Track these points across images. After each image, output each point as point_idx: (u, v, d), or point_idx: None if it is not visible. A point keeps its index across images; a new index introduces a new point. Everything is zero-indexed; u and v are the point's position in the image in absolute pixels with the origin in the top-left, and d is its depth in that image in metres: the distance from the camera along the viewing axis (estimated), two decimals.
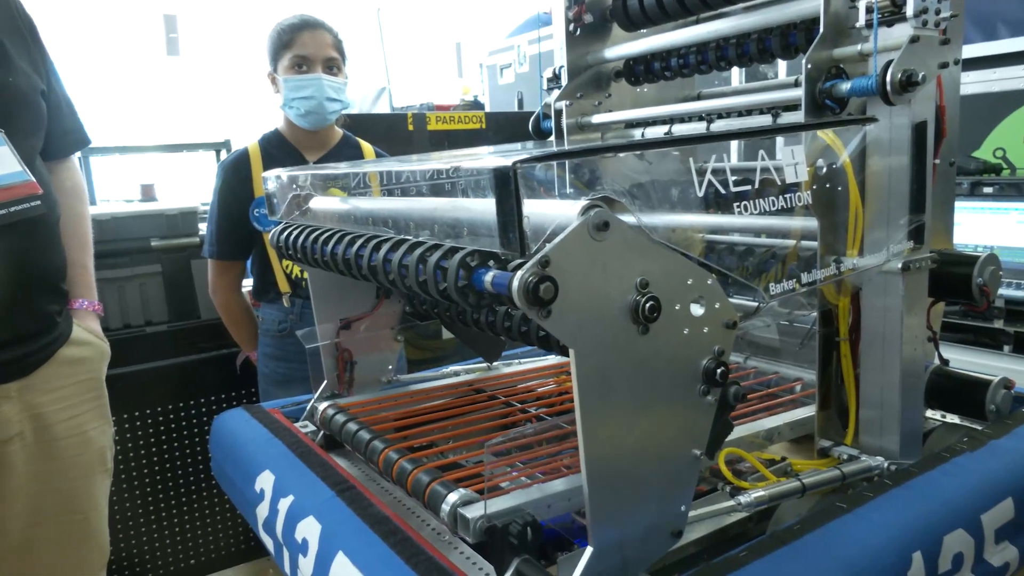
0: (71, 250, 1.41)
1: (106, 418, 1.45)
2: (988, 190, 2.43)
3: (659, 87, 1.49)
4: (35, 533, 1.33)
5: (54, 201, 1.34)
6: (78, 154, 1.56)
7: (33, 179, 1.25)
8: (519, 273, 0.67)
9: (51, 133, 1.37)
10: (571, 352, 0.71)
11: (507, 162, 0.69)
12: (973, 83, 2.56)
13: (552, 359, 1.55)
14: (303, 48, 1.85)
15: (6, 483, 1.28)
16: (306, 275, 1.83)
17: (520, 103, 4.03)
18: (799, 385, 1.29)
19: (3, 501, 1.29)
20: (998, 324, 2.23)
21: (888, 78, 0.91)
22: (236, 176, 1.93)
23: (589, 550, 0.77)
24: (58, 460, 1.34)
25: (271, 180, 1.27)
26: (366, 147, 2.07)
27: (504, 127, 2.85)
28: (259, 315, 2.03)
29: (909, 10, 0.90)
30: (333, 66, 1.89)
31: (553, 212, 0.72)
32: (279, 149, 1.95)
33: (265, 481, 1.13)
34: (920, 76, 0.91)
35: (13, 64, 1.27)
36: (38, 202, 1.25)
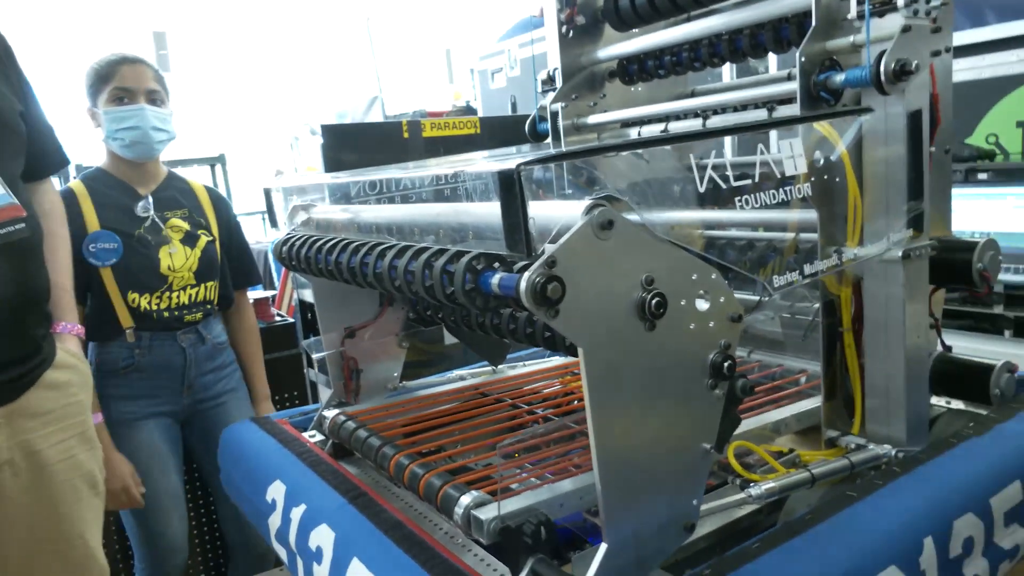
0: (53, 272, 1.40)
1: (92, 441, 1.42)
2: (983, 176, 2.45)
3: (653, 86, 1.50)
4: (35, 561, 1.32)
5: (37, 223, 1.34)
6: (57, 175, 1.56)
7: (17, 201, 1.24)
8: (526, 274, 0.68)
9: (29, 154, 1.37)
10: (580, 351, 0.72)
11: (511, 164, 0.70)
12: (963, 70, 2.58)
13: (557, 360, 1.56)
14: (123, 80, 1.83)
15: (0, 512, 1.27)
16: (155, 306, 1.82)
17: (514, 107, 4.04)
18: (804, 377, 1.29)
19: None
20: (998, 309, 2.24)
21: (882, 68, 0.92)
22: (66, 214, 1.78)
23: (603, 547, 0.77)
24: (51, 486, 1.32)
25: (273, 192, 1.27)
26: (195, 184, 2.05)
27: (499, 131, 2.86)
28: (93, 359, 1.86)
29: (900, 0, 0.91)
30: (156, 98, 1.87)
31: (557, 213, 0.73)
32: (108, 185, 1.89)
33: (276, 491, 1.14)
34: (913, 65, 0.92)
35: None
36: (23, 224, 1.24)
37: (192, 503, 2.27)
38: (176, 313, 1.88)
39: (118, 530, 2.22)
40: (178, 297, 1.89)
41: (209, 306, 1.96)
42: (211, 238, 1.97)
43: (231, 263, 2.06)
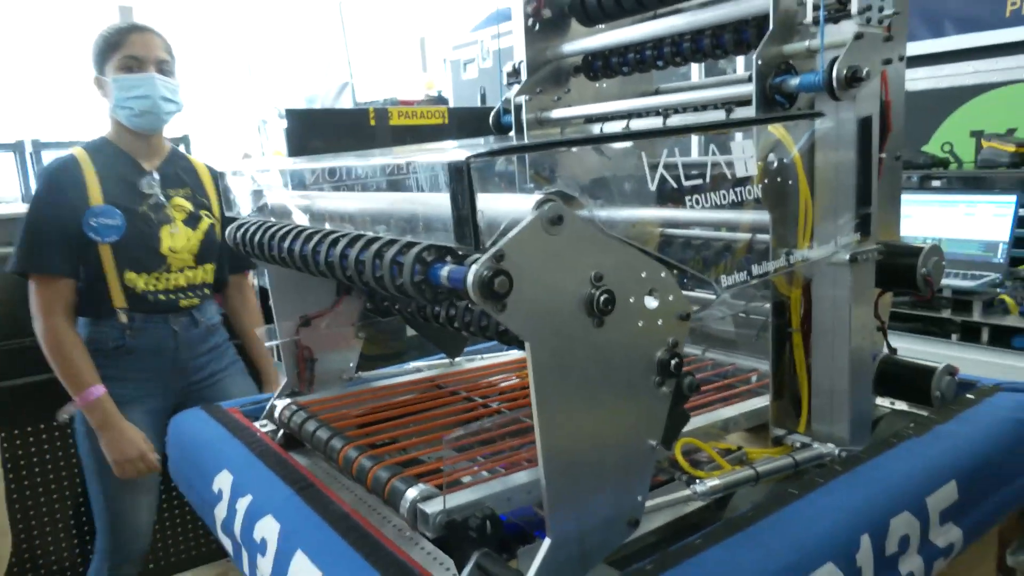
0: None
1: None
2: (936, 183, 2.51)
3: (619, 82, 1.50)
4: None
5: None
6: None
7: None
8: (474, 267, 0.68)
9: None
10: (527, 345, 0.72)
11: (461, 156, 0.70)
12: (921, 79, 2.64)
13: (514, 354, 1.56)
14: (133, 48, 1.78)
15: None
16: (152, 287, 1.78)
17: (483, 98, 4.02)
18: (755, 376, 1.31)
19: None
20: (945, 314, 2.31)
21: (834, 74, 0.93)
22: (70, 182, 1.76)
23: (547, 541, 0.78)
24: None
25: (228, 175, 1.25)
26: (196, 162, 2.00)
27: (467, 122, 2.85)
28: (84, 336, 1.81)
29: (854, 7, 0.93)
30: (165, 68, 1.82)
31: (508, 207, 0.72)
32: (112, 157, 1.82)
33: (223, 481, 1.12)
34: (864, 72, 0.94)
35: None
36: None
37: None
38: (172, 296, 1.83)
39: (85, 511, 2.18)
40: (175, 279, 1.84)
41: (206, 289, 1.92)
42: (213, 220, 1.92)
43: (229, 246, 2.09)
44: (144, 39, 1.80)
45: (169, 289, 1.83)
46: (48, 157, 4.12)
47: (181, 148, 2.09)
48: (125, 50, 1.77)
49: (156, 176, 1.84)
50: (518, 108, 1.45)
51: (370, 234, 0.89)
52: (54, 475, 2.20)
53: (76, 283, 1.78)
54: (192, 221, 1.87)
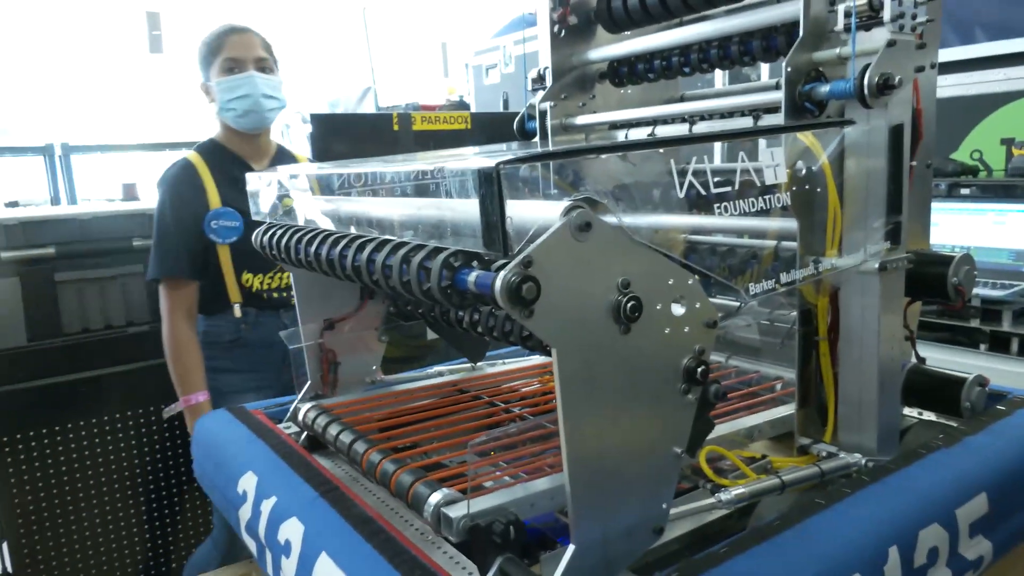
0: None
1: None
2: (965, 192, 2.47)
3: (643, 89, 1.50)
4: None
5: None
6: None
7: None
8: (502, 273, 0.68)
9: None
10: (553, 352, 0.72)
11: (490, 163, 0.70)
12: (951, 86, 2.60)
13: (536, 359, 1.56)
14: (232, 51, 1.84)
15: None
16: (267, 286, 1.85)
17: (505, 104, 4.03)
18: (779, 384, 1.30)
19: None
20: (974, 323, 2.27)
21: (865, 81, 0.93)
22: (188, 186, 1.84)
23: (571, 548, 0.78)
24: None
25: (254, 180, 1.26)
26: (300, 157, 2.06)
27: (489, 127, 2.85)
28: (201, 331, 1.93)
29: (886, 15, 0.92)
30: (265, 67, 1.87)
31: (536, 213, 0.73)
32: (224, 159, 1.89)
33: (248, 483, 1.13)
34: (897, 80, 0.93)
35: None
36: None
37: None
38: (285, 294, 1.89)
39: (101, 512, 2.21)
40: (288, 277, 1.86)
41: None
42: None
43: None
44: (242, 40, 1.84)
45: (282, 288, 1.89)
46: (77, 161, 4.19)
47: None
48: (225, 53, 1.82)
49: None
50: (543, 114, 1.45)
51: (397, 239, 0.90)
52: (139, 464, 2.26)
53: (199, 284, 1.86)
54: None
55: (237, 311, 1.86)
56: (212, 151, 1.90)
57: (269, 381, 1.93)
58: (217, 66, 1.84)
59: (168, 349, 1.86)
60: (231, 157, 1.90)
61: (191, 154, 1.89)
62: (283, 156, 2.00)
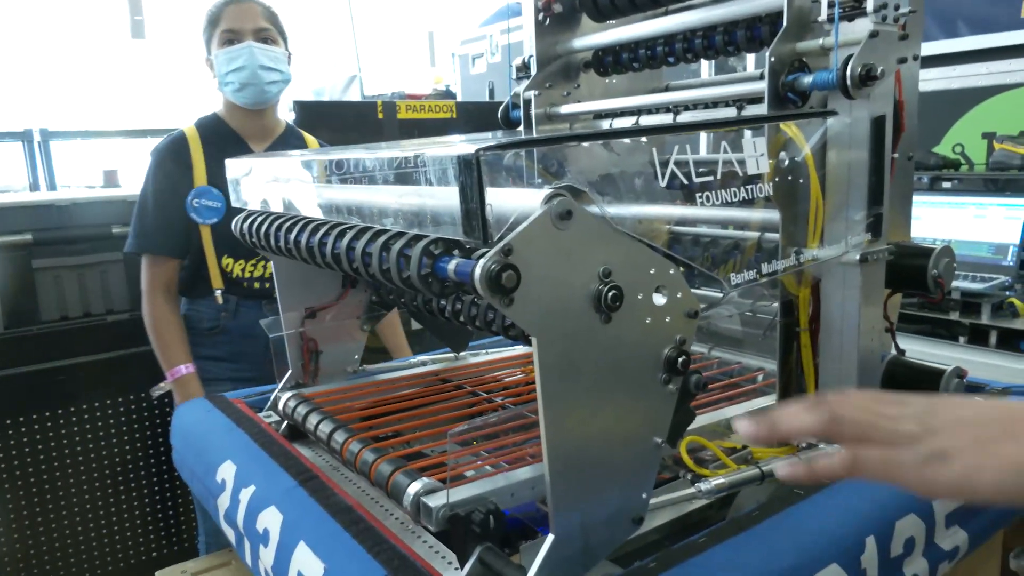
0: None
1: None
2: (947, 185, 2.49)
3: (628, 78, 1.50)
4: None
5: None
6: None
7: None
8: (481, 261, 0.67)
9: None
10: (533, 340, 0.72)
11: (470, 149, 0.69)
12: (934, 80, 2.62)
13: (519, 349, 1.55)
14: (231, 21, 1.75)
15: None
16: (248, 273, 1.77)
17: (491, 93, 4.02)
18: (761, 375, 1.31)
19: None
20: (954, 316, 2.29)
21: (848, 72, 0.92)
22: (175, 161, 1.77)
23: (550, 537, 0.77)
24: None
25: (235, 166, 1.25)
26: (310, 139, 1.94)
27: (475, 116, 2.84)
28: (184, 314, 1.88)
29: (869, 5, 0.92)
30: (266, 37, 1.77)
31: (516, 201, 0.72)
32: (221, 136, 1.81)
33: (226, 471, 1.12)
34: (879, 71, 0.93)
35: None
36: None
37: None
38: (268, 285, 1.80)
39: (80, 500, 2.18)
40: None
41: None
42: None
43: None
44: (240, 9, 1.75)
45: (266, 277, 1.80)
46: (56, 147, 4.13)
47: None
48: (224, 24, 1.74)
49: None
50: (527, 103, 1.44)
51: (377, 226, 0.89)
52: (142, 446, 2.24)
53: (181, 263, 1.79)
54: None
55: (219, 297, 1.79)
56: (210, 126, 1.82)
57: (250, 372, 1.88)
58: (216, 38, 1.75)
59: (148, 325, 1.81)
60: (229, 134, 1.82)
61: (188, 127, 1.82)
62: (290, 137, 1.90)
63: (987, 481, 0.50)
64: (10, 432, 2.10)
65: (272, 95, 1.79)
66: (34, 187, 5.14)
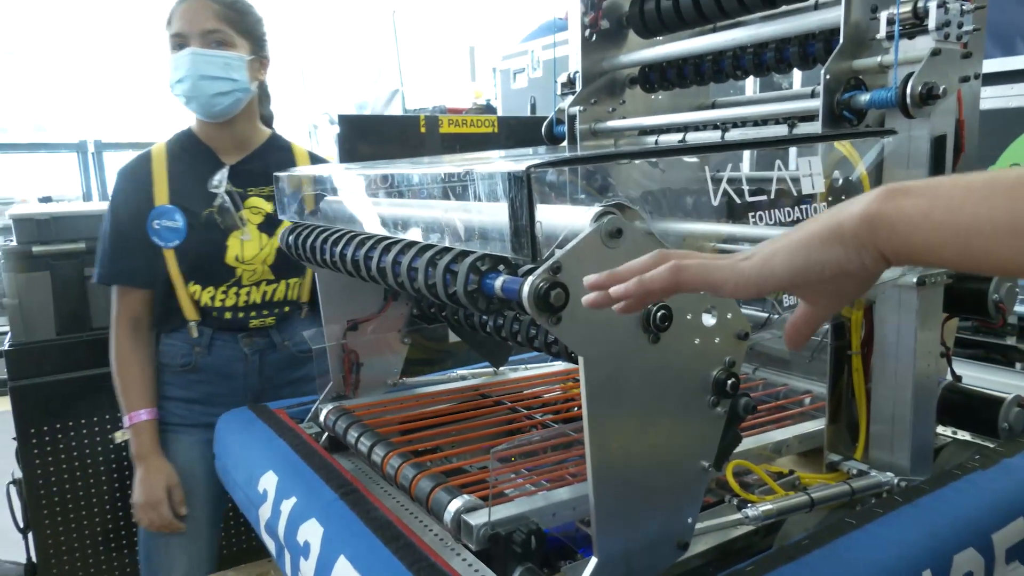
0: None
1: None
2: None
3: (673, 95, 1.48)
4: None
5: None
6: None
7: None
8: (530, 279, 0.67)
9: None
10: (580, 360, 0.71)
11: (521, 166, 0.69)
12: (990, 98, 2.54)
13: (559, 365, 1.54)
14: (178, 23, 1.49)
15: None
16: (218, 302, 1.57)
17: (533, 108, 4.03)
18: (808, 398, 1.27)
19: None
20: (1011, 341, 2.21)
21: (908, 90, 0.90)
22: (132, 182, 1.58)
23: (593, 560, 0.76)
24: None
25: (283, 179, 1.27)
26: (299, 150, 1.72)
27: (516, 131, 2.84)
28: (158, 351, 1.65)
29: (931, 23, 0.89)
30: (219, 40, 1.50)
31: (565, 218, 0.71)
32: (190, 151, 1.61)
33: (268, 482, 1.13)
34: (941, 89, 0.90)
35: None
36: None
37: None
38: (241, 315, 1.59)
39: (114, 512, 2.22)
40: (248, 294, 1.59)
41: (288, 308, 1.64)
42: None
43: None
44: (189, 9, 1.50)
45: (239, 306, 1.59)
46: (109, 158, 4.26)
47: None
48: (173, 26, 1.51)
49: (226, 173, 1.57)
50: (572, 118, 1.44)
51: (424, 241, 0.89)
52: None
53: (150, 293, 1.60)
54: (269, 225, 1.59)
55: (193, 330, 1.57)
56: (181, 141, 1.63)
57: None
58: (169, 43, 1.52)
59: (111, 363, 1.61)
60: (200, 148, 1.61)
61: (157, 145, 1.63)
62: (271, 149, 1.67)
63: (779, 263, 0.57)
64: (60, 436, 2.15)
65: (224, 107, 1.54)
66: (87, 197, 5.33)
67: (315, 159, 1.74)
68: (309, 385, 1.61)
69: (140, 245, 1.55)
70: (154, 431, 1.57)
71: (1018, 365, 2.20)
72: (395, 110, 5.26)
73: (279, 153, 1.68)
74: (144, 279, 1.57)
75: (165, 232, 1.55)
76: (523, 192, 0.69)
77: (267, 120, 1.74)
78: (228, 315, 1.58)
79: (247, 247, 1.57)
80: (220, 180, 1.56)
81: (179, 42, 1.51)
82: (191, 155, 1.61)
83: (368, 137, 2.48)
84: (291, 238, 1.19)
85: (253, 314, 1.60)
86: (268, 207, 1.60)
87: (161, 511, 1.54)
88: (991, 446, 1.11)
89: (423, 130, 2.67)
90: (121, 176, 1.63)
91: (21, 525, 2.08)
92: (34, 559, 2.13)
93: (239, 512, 2.16)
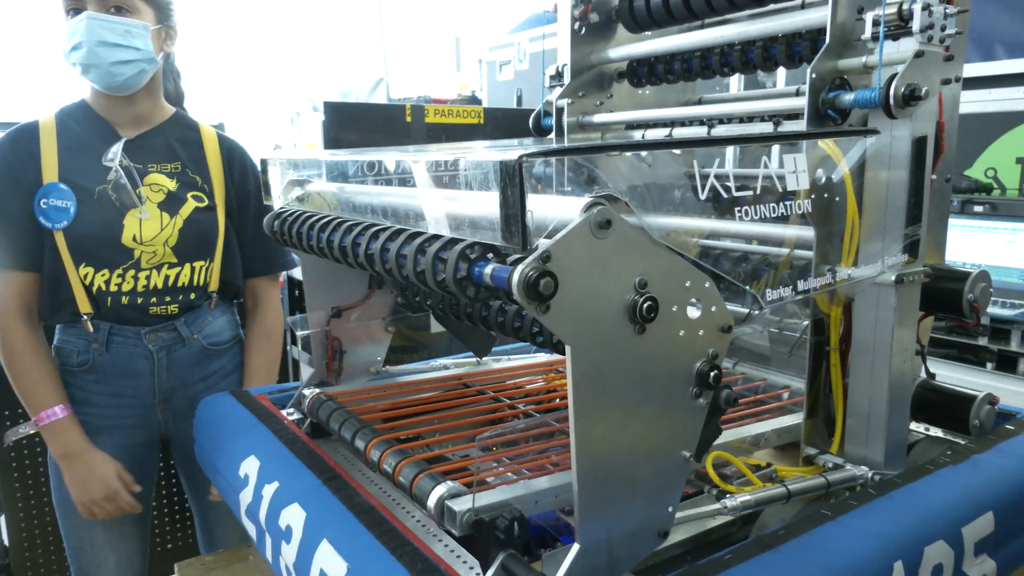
0: None
1: None
2: (978, 209, 2.46)
3: (660, 90, 1.49)
4: None
5: None
6: None
7: None
8: (520, 267, 0.67)
9: None
10: (567, 349, 0.71)
11: (513, 155, 0.69)
12: (969, 102, 2.59)
13: (542, 356, 1.55)
14: None
15: None
16: (114, 287, 1.44)
17: (519, 100, 4.02)
18: (787, 393, 1.29)
19: None
20: (982, 341, 2.26)
21: (892, 91, 0.92)
22: (16, 154, 1.42)
23: (576, 547, 0.77)
24: None
25: (270, 163, 1.26)
26: (207, 130, 1.58)
27: (502, 123, 2.84)
28: (53, 347, 1.53)
29: (916, 25, 0.91)
30: (119, 5, 1.38)
31: (555, 208, 0.72)
32: (83, 124, 1.47)
33: (250, 467, 1.12)
34: (923, 91, 0.92)
35: None
36: None
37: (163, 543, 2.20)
38: (140, 301, 1.46)
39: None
40: (148, 278, 1.46)
41: (194, 295, 1.52)
42: (205, 204, 1.51)
43: (247, 241, 1.60)
44: None
45: (137, 291, 1.45)
46: None
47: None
48: None
49: (119, 145, 1.45)
50: (560, 111, 1.45)
51: (411, 229, 0.89)
52: None
53: (37, 278, 1.45)
54: (171, 204, 1.47)
55: (88, 325, 1.44)
56: (73, 113, 1.49)
57: (132, 420, 1.52)
58: (63, 9, 1.40)
59: (3, 358, 1.45)
60: (95, 121, 1.47)
61: (44, 117, 1.48)
62: (174, 126, 1.54)
63: None
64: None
65: (126, 78, 1.41)
66: None
67: (224, 141, 1.61)
68: (226, 380, 1.60)
69: (25, 225, 1.41)
70: (76, 426, 1.46)
71: (989, 365, 2.25)
72: (379, 99, 5.22)
73: (184, 131, 1.55)
74: (34, 261, 1.44)
75: (53, 212, 1.41)
76: (515, 181, 0.69)
77: (176, 99, 1.64)
78: (125, 300, 1.45)
79: (146, 226, 1.45)
80: (115, 154, 1.45)
81: (74, 6, 1.38)
82: (84, 127, 1.47)
83: (353, 125, 2.47)
84: (277, 223, 1.19)
85: (154, 300, 1.48)
86: (171, 184, 1.48)
87: (120, 500, 1.47)
88: (962, 442, 1.14)
89: (409, 119, 2.66)
90: (0, 147, 1.45)
91: None
92: (6, 543, 2.11)
93: (183, 508, 2.14)
